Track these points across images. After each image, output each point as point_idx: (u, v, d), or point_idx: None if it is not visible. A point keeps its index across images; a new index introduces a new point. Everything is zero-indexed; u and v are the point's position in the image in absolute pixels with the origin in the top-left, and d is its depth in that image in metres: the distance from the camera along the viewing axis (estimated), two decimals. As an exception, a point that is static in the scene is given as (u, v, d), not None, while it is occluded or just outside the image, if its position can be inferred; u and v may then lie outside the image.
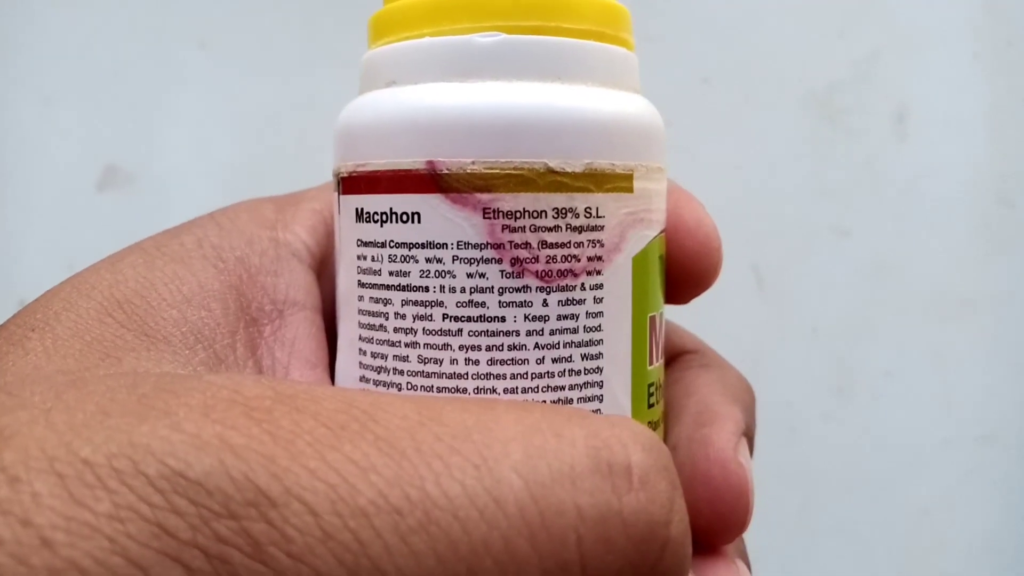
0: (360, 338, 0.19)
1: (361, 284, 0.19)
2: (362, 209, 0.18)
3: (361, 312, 0.19)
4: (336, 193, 0.20)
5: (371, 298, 0.18)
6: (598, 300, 0.18)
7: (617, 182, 0.18)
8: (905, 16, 0.48)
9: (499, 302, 0.17)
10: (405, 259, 0.18)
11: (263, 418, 0.13)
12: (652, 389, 0.20)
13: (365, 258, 0.18)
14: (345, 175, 0.19)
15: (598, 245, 0.18)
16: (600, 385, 0.18)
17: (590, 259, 0.18)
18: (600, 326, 0.18)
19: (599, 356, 0.18)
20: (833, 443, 0.49)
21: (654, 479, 0.14)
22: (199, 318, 0.18)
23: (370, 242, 0.18)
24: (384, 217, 0.18)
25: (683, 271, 0.21)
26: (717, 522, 0.20)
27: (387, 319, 0.18)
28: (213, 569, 0.12)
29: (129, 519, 0.12)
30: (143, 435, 0.13)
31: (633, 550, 0.13)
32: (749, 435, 0.22)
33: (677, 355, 0.23)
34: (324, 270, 0.22)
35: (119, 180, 0.49)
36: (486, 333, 0.17)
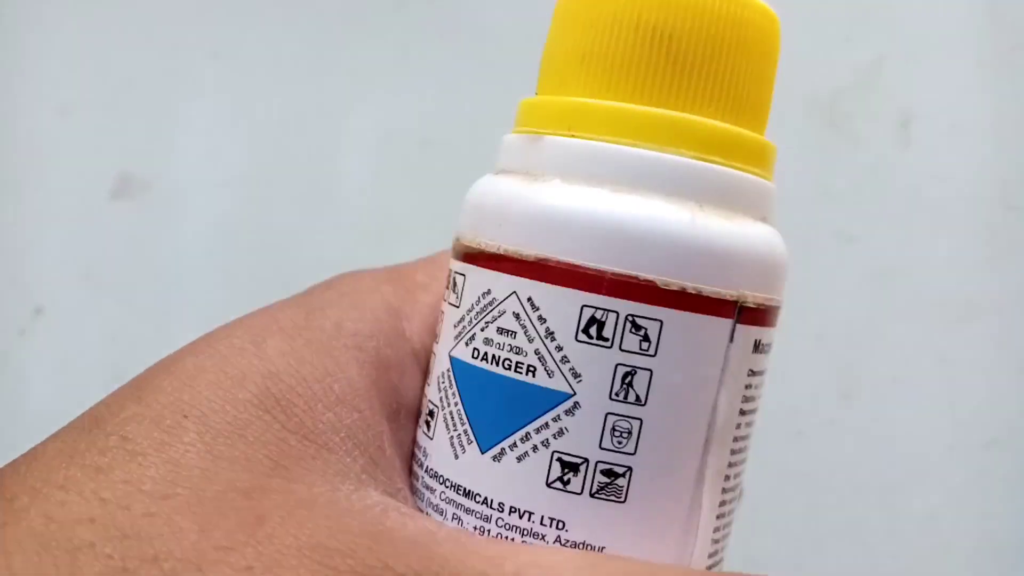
0: (729, 464, 0.19)
1: (742, 412, 0.19)
2: (759, 341, 0.19)
3: (736, 439, 0.19)
4: (732, 321, 0.18)
5: (746, 424, 0.20)
6: None
7: None
8: (909, 22, 0.47)
9: None
10: (759, 386, 0.20)
11: None
12: None
13: (751, 387, 0.19)
14: (753, 307, 0.19)
15: None
16: None
17: None
18: None
19: None
20: (839, 449, 0.48)
21: None
22: (352, 421, 0.18)
23: (759, 372, 0.19)
24: (769, 347, 0.20)
25: None
26: None
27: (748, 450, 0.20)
28: None
29: None
30: None
31: None
32: None
33: None
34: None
35: (133, 189, 0.50)
36: None
